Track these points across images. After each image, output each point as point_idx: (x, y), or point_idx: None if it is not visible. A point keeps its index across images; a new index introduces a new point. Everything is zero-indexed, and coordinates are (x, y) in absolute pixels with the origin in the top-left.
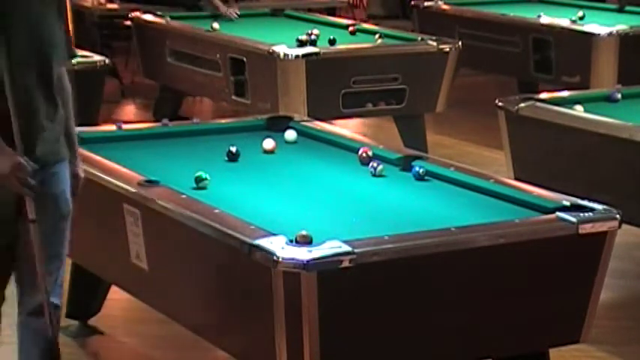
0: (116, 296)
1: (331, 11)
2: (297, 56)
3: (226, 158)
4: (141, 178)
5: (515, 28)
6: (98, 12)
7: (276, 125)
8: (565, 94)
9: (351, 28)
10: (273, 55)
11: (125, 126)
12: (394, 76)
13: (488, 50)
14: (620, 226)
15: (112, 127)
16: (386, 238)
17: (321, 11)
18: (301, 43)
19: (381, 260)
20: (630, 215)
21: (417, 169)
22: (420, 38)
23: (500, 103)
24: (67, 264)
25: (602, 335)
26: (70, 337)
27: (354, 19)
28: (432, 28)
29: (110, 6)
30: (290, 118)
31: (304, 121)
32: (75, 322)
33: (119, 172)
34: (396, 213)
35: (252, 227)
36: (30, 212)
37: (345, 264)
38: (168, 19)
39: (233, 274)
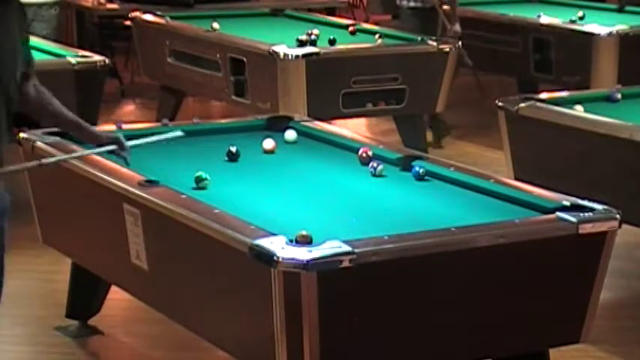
0: (116, 296)
1: (331, 11)
2: (297, 56)
3: (226, 158)
4: (141, 178)
5: (515, 28)
6: (98, 12)
7: (276, 125)
8: (565, 94)
9: (351, 28)
10: (273, 55)
11: (125, 126)
12: (394, 76)
13: (489, 50)
14: (620, 226)
15: (112, 127)
16: (386, 238)
17: (320, 11)
18: (301, 43)
19: (381, 260)
20: (630, 215)
21: (417, 169)
22: (420, 38)
23: (500, 103)
24: (67, 264)
25: (602, 335)
26: (70, 337)
27: (354, 19)
28: None
29: (110, 6)
30: (290, 118)
31: (304, 121)
32: (75, 322)
33: (119, 172)
34: (396, 213)
35: (252, 227)
36: None
37: (345, 264)
38: (168, 19)
39: (233, 274)
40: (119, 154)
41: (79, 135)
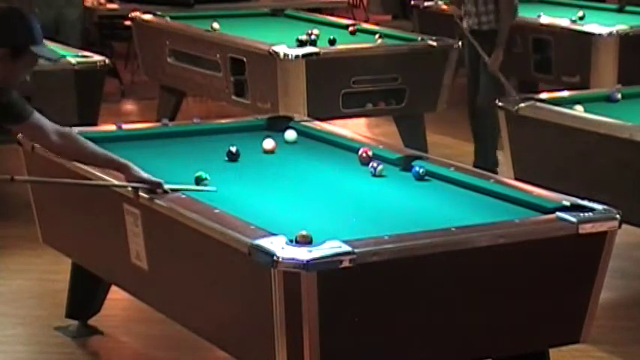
0: (116, 296)
1: (329, 11)
2: (297, 56)
3: (226, 158)
4: None
5: (515, 28)
6: (98, 12)
7: (276, 125)
8: (565, 94)
9: (351, 28)
10: (273, 55)
11: (125, 126)
12: (394, 76)
13: None
14: (620, 226)
15: (112, 127)
16: (386, 238)
17: (320, 11)
18: (301, 43)
19: (381, 260)
20: (630, 215)
21: (417, 169)
22: (420, 38)
23: (500, 103)
24: (67, 264)
25: (602, 335)
26: (70, 337)
27: (354, 19)
28: (432, 28)
29: (110, 6)
30: (290, 118)
31: (304, 121)
32: (75, 322)
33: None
34: (396, 213)
35: (252, 227)
36: None
37: (345, 264)
38: (168, 19)
39: (233, 274)
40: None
41: (124, 174)
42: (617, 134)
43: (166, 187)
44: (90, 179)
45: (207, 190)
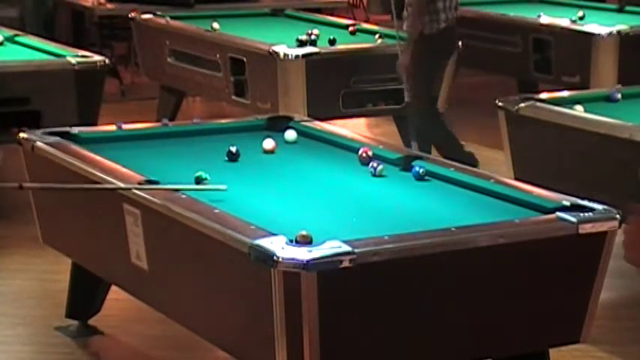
0: (116, 296)
1: (329, 11)
2: (297, 56)
3: (226, 158)
4: (141, 178)
5: (515, 28)
6: (98, 12)
7: (276, 125)
8: (565, 94)
9: (351, 28)
10: (273, 55)
11: (125, 126)
12: (394, 76)
13: (488, 50)
14: (620, 226)
15: (112, 127)
16: (386, 238)
17: (320, 11)
18: (301, 43)
19: (381, 260)
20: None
21: (417, 169)
22: None
23: (500, 103)
24: (67, 264)
25: (602, 335)
26: (70, 337)
27: (354, 19)
28: None
29: (110, 6)
30: (290, 118)
31: (304, 121)
32: (75, 322)
33: (119, 172)
34: (396, 213)
35: (252, 227)
36: None
37: (345, 264)
38: (168, 19)
39: (233, 274)
40: None
41: None
42: (617, 134)
43: (174, 187)
44: (93, 181)
45: (217, 189)
